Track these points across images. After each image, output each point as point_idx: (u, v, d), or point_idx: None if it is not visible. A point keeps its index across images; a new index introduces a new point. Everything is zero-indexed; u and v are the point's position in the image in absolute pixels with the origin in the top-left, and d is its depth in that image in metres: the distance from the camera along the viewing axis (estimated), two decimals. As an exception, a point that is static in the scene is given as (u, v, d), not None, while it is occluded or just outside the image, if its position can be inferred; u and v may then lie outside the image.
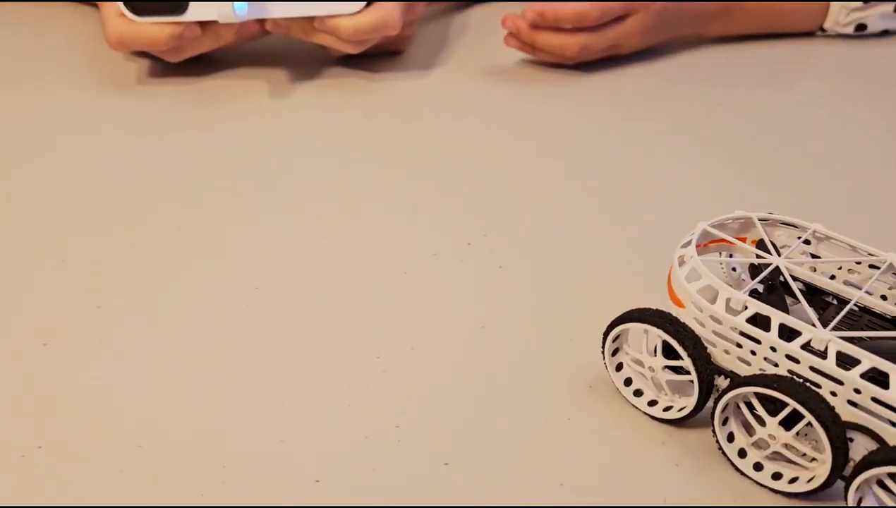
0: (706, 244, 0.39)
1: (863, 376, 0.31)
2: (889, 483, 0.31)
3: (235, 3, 0.58)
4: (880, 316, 0.36)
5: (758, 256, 0.37)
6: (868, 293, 0.38)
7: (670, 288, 0.37)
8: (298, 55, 0.66)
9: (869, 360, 0.31)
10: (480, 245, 0.48)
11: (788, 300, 0.38)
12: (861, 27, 0.72)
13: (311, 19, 0.60)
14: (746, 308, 0.34)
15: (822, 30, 0.72)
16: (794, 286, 0.36)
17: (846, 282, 0.38)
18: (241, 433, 0.36)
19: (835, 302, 0.37)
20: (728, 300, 0.34)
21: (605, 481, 0.35)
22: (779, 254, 0.38)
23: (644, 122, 0.61)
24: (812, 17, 0.71)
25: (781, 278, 0.36)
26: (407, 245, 0.48)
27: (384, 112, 0.61)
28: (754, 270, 0.40)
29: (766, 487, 0.34)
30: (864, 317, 0.36)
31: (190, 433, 0.36)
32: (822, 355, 0.32)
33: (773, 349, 0.33)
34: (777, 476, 0.34)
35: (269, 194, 0.52)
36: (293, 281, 0.45)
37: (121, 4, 0.58)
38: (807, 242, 0.39)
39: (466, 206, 0.51)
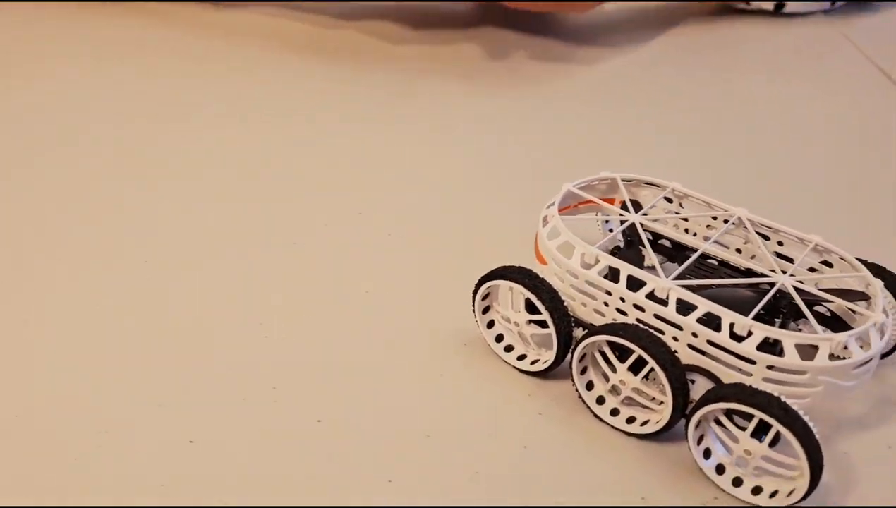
0: (576, 205, 0.41)
1: (700, 321, 0.33)
2: (724, 420, 0.32)
3: None
4: (735, 268, 0.38)
5: (620, 214, 0.39)
6: (724, 246, 0.40)
7: (536, 248, 0.39)
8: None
9: (705, 306, 0.33)
10: (371, 214, 0.50)
11: (659, 257, 0.40)
12: (780, 6, 0.74)
13: None
14: (598, 261, 0.36)
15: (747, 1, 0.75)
16: (646, 240, 0.37)
17: (705, 238, 0.40)
18: (119, 397, 0.37)
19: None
20: (583, 255, 0.36)
21: (469, 430, 0.36)
22: (644, 213, 0.40)
23: (520, 91, 0.63)
24: None
25: (637, 230, 0.38)
26: (298, 214, 0.50)
27: (280, 82, 0.64)
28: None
29: (619, 430, 0.35)
30: (721, 270, 0.38)
31: (65, 399, 0.37)
32: (665, 303, 0.34)
33: (623, 299, 0.35)
34: (631, 419, 0.35)
35: (166, 162, 0.54)
36: (182, 248, 0.47)
37: None
38: (669, 201, 0.41)
39: (357, 178, 0.53)
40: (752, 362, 0.32)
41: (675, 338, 0.34)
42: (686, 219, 0.40)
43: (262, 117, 0.60)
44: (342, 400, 0.37)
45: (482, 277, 0.38)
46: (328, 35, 0.72)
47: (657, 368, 0.33)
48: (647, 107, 0.62)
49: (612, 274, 0.35)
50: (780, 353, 0.32)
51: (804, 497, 0.31)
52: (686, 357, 0.34)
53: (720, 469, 0.33)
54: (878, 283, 0.34)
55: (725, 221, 0.39)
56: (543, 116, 0.61)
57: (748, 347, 0.32)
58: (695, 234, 0.40)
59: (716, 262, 0.38)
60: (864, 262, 0.36)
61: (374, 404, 0.37)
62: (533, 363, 0.38)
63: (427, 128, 0.60)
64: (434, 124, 0.60)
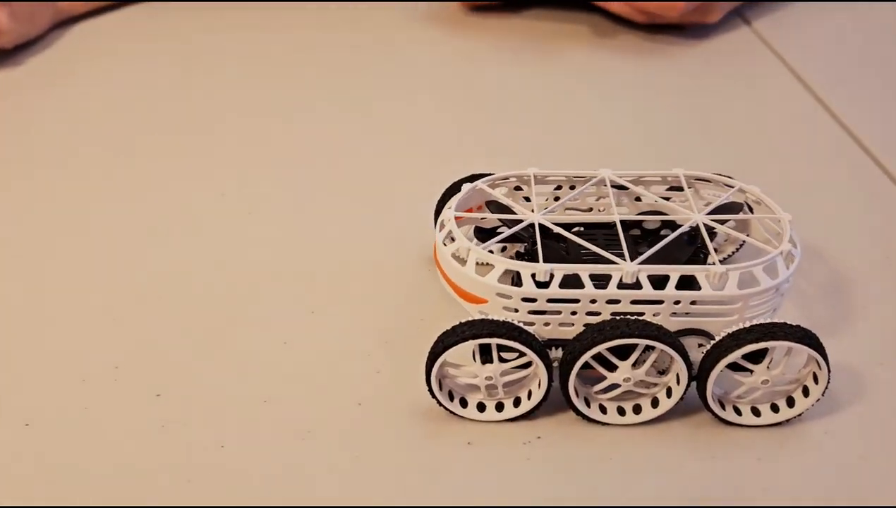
0: (458, 218, 0.37)
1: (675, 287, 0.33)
2: (727, 370, 0.34)
3: None
4: (632, 225, 0.39)
5: (512, 221, 0.37)
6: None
7: (461, 292, 0.35)
8: None
9: (676, 272, 0.33)
10: (233, 196, 0.49)
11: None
12: None
13: None
14: (553, 276, 0.33)
15: None
16: (569, 235, 0.36)
17: (599, 209, 0.39)
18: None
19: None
20: (533, 275, 0.33)
21: (306, 392, 0.37)
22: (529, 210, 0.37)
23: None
24: None
25: (553, 230, 0.36)
26: (158, 203, 0.49)
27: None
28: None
29: (632, 424, 0.35)
30: (626, 236, 0.37)
31: None
32: (638, 285, 0.33)
33: (594, 300, 0.33)
34: (622, 411, 0.35)
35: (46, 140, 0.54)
36: (27, 234, 0.46)
37: None
38: (519, 188, 0.40)
39: (223, 159, 0.53)
40: (737, 302, 0.33)
41: (655, 314, 0.33)
42: (562, 201, 0.39)
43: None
44: (181, 376, 0.37)
45: (437, 348, 0.33)
46: None
47: (666, 349, 0.33)
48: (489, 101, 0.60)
49: (566, 282, 0.33)
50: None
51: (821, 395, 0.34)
52: (672, 325, 0.34)
53: (722, 405, 0.35)
54: (785, 217, 0.36)
55: (600, 185, 0.39)
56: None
57: (731, 291, 0.33)
58: (593, 210, 0.40)
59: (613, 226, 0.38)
60: (724, 175, 0.39)
61: (213, 375, 0.37)
62: (516, 405, 0.35)
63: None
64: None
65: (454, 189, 0.41)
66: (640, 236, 0.40)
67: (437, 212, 0.41)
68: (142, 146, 0.54)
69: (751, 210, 0.38)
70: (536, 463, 0.33)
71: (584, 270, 0.33)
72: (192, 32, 0.69)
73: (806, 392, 0.34)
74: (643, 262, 0.34)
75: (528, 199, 0.40)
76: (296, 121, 0.57)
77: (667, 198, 0.40)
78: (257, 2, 0.73)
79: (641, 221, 0.40)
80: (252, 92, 0.60)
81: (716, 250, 0.42)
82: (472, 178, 0.40)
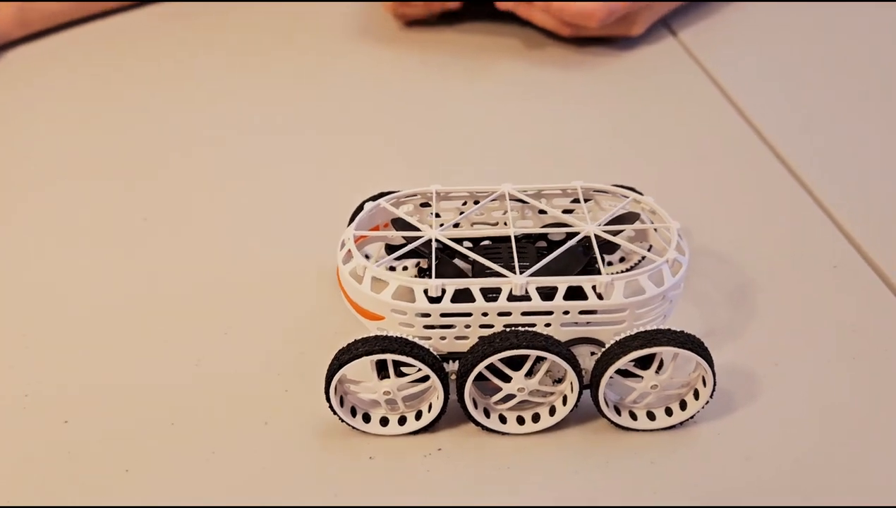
0: (358, 239, 0.38)
1: (563, 298, 0.34)
2: (617, 377, 0.35)
3: None
4: (537, 237, 0.40)
5: (412, 238, 0.37)
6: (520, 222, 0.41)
7: (360, 309, 0.36)
8: None
9: (564, 283, 0.34)
10: (155, 219, 0.50)
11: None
12: None
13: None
14: (444, 291, 0.34)
15: None
16: (464, 250, 0.37)
17: (504, 223, 0.40)
18: None
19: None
20: (426, 291, 0.34)
21: (212, 414, 0.37)
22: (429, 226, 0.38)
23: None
24: None
25: (441, 245, 0.38)
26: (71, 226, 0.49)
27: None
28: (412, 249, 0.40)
29: (529, 433, 0.35)
30: (530, 247, 0.39)
31: None
32: (528, 297, 0.34)
33: (485, 314, 0.34)
34: (521, 420, 0.36)
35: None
36: None
37: None
38: (426, 205, 0.40)
39: (143, 181, 0.54)
40: (624, 310, 0.34)
41: (547, 325, 0.34)
42: (464, 215, 0.40)
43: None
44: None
45: (331, 367, 0.34)
46: None
47: (556, 359, 0.34)
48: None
49: (458, 296, 0.34)
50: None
51: (708, 400, 0.35)
52: (563, 335, 0.35)
53: (618, 411, 0.36)
54: (674, 226, 0.37)
55: (500, 200, 0.40)
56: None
57: (617, 300, 0.34)
58: (498, 224, 0.41)
59: (517, 240, 0.39)
60: (624, 187, 0.40)
61: (123, 399, 0.38)
62: (417, 418, 0.36)
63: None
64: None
65: (362, 208, 0.41)
66: (545, 248, 0.41)
67: None
68: (57, 172, 0.55)
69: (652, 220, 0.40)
70: (436, 475, 0.34)
71: (474, 284, 0.34)
72: (117, 56, 0.69)
73: (696, 395, 0.35)
74: (534, 274, 0.35)
75: (438, 215, 0.41)
76: (218, 141, 0.58)
77: (570, 211, 0.41)
78: (177, 21, 0.74)
79: (546, 234, 0.41)
80: (175, 112, 0.61)
81: (622, 259, 0.43)
82: (380, 196, 0.41)
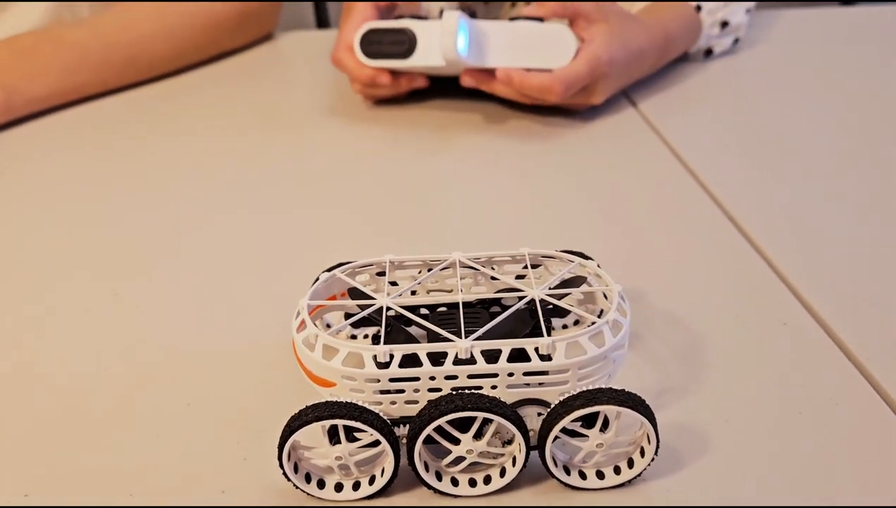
0: (312, 311, 0.39)
1: (508, 360, 0.35)
2: (564, 437, 0.35)
3: (459, 41, 0.64)
4: (491, 302, 0.41)
5: (366, 306, 0.39)
6: (463, 290, 0.42)
7: (312, 376, 0.37)
8: None
9: (507, 345, 0.35)
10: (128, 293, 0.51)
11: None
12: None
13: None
14: (392, 357, 0.35)
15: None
16: (413, 317, 0.38)
17: (452, 291, 0.42)
18: None
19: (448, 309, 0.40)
20: (375, 357, 0.35)
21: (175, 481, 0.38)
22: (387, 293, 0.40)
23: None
24: (694, 36, 0.77)
25: (394, 312, 0.39)
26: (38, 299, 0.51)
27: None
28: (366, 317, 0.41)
29: (481, 495, 0.36)
30: (483, 313, 0.40)
31: None
32: (473, 360, 0.35)
33: (433, 377, 0.35)
34: (487, 479, 0.36)
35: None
36: None
37: (357, 46, 0.68)
38: (381, 274, 0.42)
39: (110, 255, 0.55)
40: (566, 370, 0.35)
41: (493, 387, 0.35)
42: (415, 282, 0.41)
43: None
44: (54, 473, 0.39)
45: (284, 432, 0.35)
46: None
47: (501, 420, 0.34)
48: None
49: (406, 361, 0.35)
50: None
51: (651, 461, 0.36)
52: (509, 396, 0.35)
53: (567, 471, 0.36)
54: (615, 288, 0.39)
55: (444, 268, 0.41)
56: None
57: (559, 361, 0.35)
58: (450, 290, 0.42)
59: (475, 306, 0.41)
60: (572, 252, 0.42)
61: (83, 472, 0.38)
62: (371, 483, 0.36)
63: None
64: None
65: (318, 279, 0.43)
66: (499, 313, 0.42)
67: None
68: (32, 244, 0.57)
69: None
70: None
71: (421, 349, 0.35)
72: (93, 132, 0.72)
73: (643, 452, 0.36)
74: (479, 338, 0.36)
75: (394, 283, 0.42)
76: (186, 216, 0.59)
77: (522, 276, 0.42)
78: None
79: (500, 299, 0.42)
80: (142, 189, 0.63)
81: (577, 322, 0.44)
82: (337, 267, 0.42)
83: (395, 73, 0.69)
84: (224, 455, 0.39)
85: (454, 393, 0.35)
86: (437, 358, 0.35)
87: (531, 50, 0.66)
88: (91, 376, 0.44)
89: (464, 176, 0.64)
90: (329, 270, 0.41)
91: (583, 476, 0.36)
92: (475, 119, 0.71)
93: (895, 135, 0.66)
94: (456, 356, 0.35)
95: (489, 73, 0.67)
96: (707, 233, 0.55)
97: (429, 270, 0.42)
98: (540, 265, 0.42)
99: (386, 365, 0.35)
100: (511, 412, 0.35)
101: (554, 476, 0.36)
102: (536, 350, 0.35)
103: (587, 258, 0.41)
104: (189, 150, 0.69)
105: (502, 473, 0.36)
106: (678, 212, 0.58)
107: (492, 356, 0.35)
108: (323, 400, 0.35)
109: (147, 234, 0.57)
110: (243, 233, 0.57)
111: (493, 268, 0.42)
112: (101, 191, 0.64)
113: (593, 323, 0.36)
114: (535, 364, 0.35)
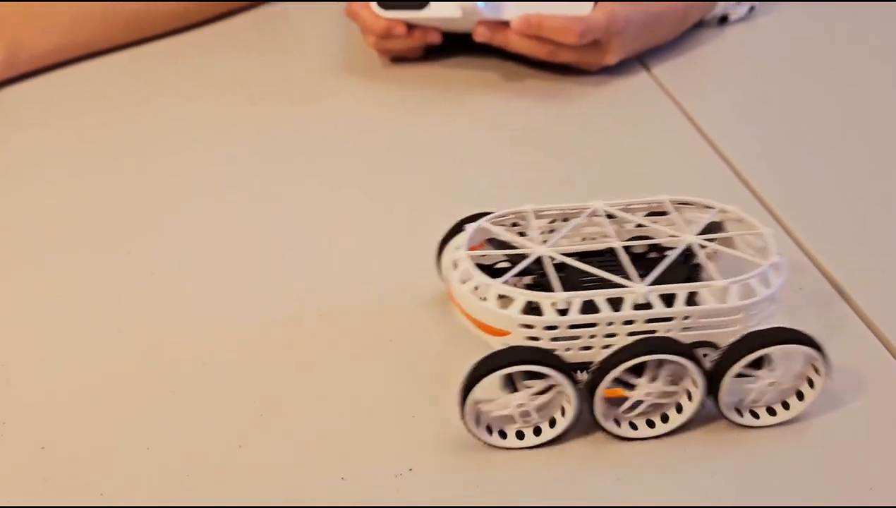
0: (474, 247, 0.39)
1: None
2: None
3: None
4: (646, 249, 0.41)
5: (516, 256, 0.39)
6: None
7: (484, 326, 0.37)
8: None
9: (683, 289, 0.36)
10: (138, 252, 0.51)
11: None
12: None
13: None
14: (571, 304, 0.35)
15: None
16: (579, 264, 0.38)
17: (593, 239, 0.42)
18: None
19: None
20: (553, 304, 0.35)
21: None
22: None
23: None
24: (711, 4, 0.75)
25: (555, 261, 0.39)
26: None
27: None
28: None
29: (658, 437, 0.37)
30: (637, 259, 0.40)
31: None
32: (650, 305, 0.36)
33: (610, 323, 0.35)
34: (665, 418, 0.37)
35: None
36: None
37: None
38: (514, 225, 0.42)
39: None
40: (739, 312, 0.36)
41: (668, 331, 0.36)
42: (562, 232, 0.41)
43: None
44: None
45: (467, 381, 0.35)
46: None
47: (684, 361, 0.35)
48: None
49: (582, 308, 0.36)
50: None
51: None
52: (683, 340, 0.36)
53: (740, 413, 0.37)
54: (766, 231, 0.39)
55: (591, 215, 0.41)
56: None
57: (732, 303, 0.36)
58: (586, 239, 0.42)
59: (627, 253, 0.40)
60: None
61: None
62: (552, 426, 0.37)
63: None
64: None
65: (455, 230, 0.42)
66: (655, 258, 0.42)
67: (440, 253, 0.43)
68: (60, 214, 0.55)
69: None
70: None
71: (599, 295, 0.36)
72: (113, 97, 0.69)
73: (811, 383, 0.37)
74: (651, 283, 0.36)
75: (523, 234, 0.42)
76: (216, 187, 0.57)
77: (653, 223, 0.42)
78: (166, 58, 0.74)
79: (631, 246, 0.42)
80: (179, 150, 0.62)
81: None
82: (476, 217, 0.42)
83: (409, 27, 0.68)
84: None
85: (636, 338, 0.35)
86: (613, 304, 0.36)
87: (548, 5, 0.66)
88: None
89: (477, 136, 0.63)
90: (470, 219, 0.41)
91: (755, 415, 0.37)
92: (490, 77, 0.70)
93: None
94: (634, 301, 0.36)
95: (504, 25, 0.66)
96: (722, 198, 0.54)
97: (564, 220, 0.42)
98: (667, 212, 0.42)
99: (564, 312, 0.35)
100: (686, 350, 0.35)
101: (727, 418, 0.37)
102: (711, 292, 0.36)
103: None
104: (200, 109, 0.66)
105: (679, 409, 0.37)
106: (694, 179, 0.57)
107: (666, 300, 0.36)
108: (504, 347, 0.35)
109: (165, 195, 0.56)
110: (255, 195, 0.56)
111: (631, 215, 0.42)
112: (116, 147, 0.61)
113: (758, 266, 0.37)
114: (711, 306, 0.35)
